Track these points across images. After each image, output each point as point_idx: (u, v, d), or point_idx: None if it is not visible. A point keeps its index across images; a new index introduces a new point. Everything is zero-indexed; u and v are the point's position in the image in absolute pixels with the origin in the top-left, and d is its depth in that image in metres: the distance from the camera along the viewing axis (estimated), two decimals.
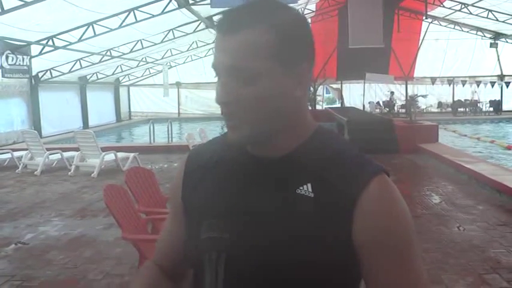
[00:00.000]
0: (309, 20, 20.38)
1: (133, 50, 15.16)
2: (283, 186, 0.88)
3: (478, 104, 22.54)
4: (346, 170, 0.87)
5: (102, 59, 15.34)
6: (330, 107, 20.36)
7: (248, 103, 0.84)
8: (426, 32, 20.85)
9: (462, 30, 20.19)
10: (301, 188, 0.86)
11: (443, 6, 17.10)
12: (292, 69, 0.86)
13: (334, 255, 0.84)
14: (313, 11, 19.48)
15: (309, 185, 0.86)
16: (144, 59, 17.89)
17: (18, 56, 12.31)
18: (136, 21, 11.54)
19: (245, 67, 0.83)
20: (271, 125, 0.87)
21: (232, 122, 0.87)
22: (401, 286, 0.85)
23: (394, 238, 0.85)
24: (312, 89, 18.49)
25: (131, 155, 9.71)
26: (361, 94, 20.09)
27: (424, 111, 19.59)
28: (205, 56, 21.45)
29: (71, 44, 12.02)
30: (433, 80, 21.98)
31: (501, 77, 22.28)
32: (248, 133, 0.87)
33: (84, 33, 11.52)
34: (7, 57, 11.89)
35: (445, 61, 21.99)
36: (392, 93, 22.20)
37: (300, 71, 0.87)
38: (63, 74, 15.43)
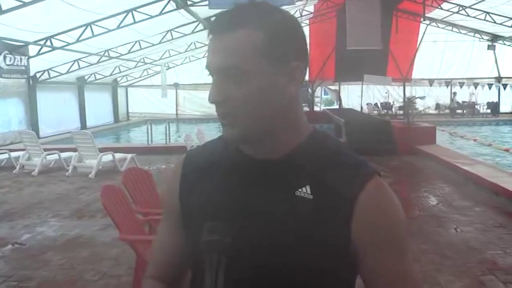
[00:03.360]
0: (307, 22, 20.47)
1: (132, 50, 15.14)
2: (282, 188, 0.88)
3: (476, 106, 22.60)
4: (343, 172, 0.89)
5: (100, 59, 15.30)
6: (328, 109, 20.37)
7: (240, 102, 0.86)
8: (424, 33, 20.86)
9: (460, 32, 20.22)
10: (300, 190, 0.87)
11: (441, 8, 17.11)
12: (283, 68, 0.87)
13: (334, 256, 0.85)
14: (312, 13, 19.47)
15: (308, 187, 0.87)
16: (142, 60, 17.86)
17: (16, 56, 12.27)
18: (135, 22, 11.53)
19: (236, 66, 0.84)
20: (265, 123, 0.88)
21: (226, 120, 0.88)
22: (404, 281, 0.89)
23: (393, 236, 0.88)
24: (310, 90, 18.51)
25: (129, 155, 9.69)
26: (359, 96, 20.11)
27: (422, 112, 19.61)
28: (203, 57, 21.40)
29: (69, 44, 12.00)
30: (431, 82, 22.02)
31: (498, 79, 22.31)
32: (242, 131, 0.88)
33: (82, 34, 11.49)
34: (5, 57, 11.84)
35: (443, 63, 22.01)
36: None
37: (292, 69, 0.88)
38: (61, 74, 15.39)
